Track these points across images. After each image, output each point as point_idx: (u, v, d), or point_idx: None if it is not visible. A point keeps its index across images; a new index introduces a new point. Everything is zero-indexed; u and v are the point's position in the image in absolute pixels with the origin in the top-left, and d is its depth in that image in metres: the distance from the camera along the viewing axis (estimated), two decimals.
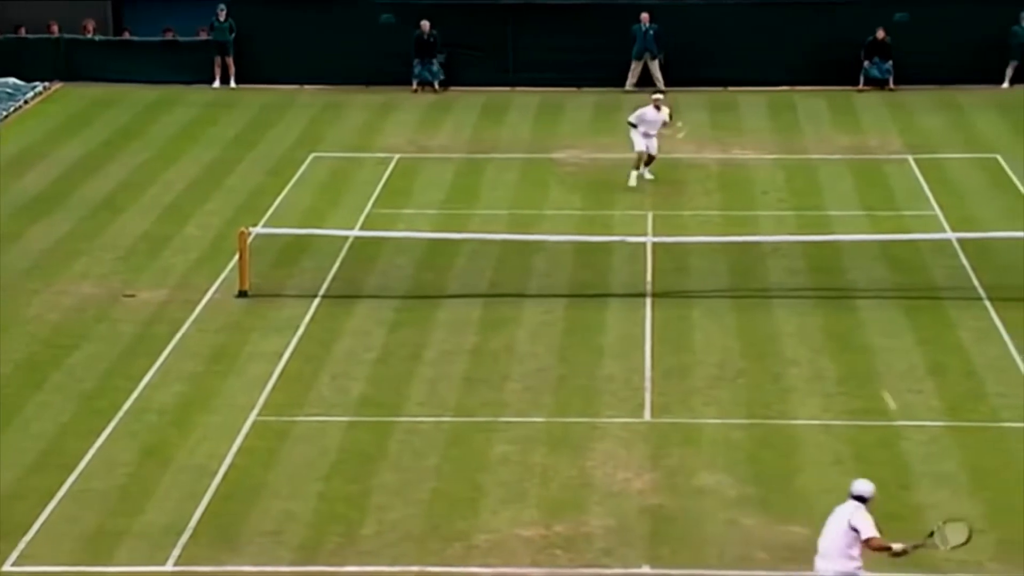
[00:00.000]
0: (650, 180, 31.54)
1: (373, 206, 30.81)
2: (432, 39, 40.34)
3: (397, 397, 21.90)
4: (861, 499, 16.06)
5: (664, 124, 31.60)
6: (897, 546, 15.82)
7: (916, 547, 15.92)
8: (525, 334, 24.11)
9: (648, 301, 25.35)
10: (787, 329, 24.12)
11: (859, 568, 15.85)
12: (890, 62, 39.86)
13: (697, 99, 39.14)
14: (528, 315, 24.85)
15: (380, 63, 40.60)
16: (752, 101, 38.96)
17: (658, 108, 31.45)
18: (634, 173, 31.45)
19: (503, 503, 18.80)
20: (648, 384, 22.21)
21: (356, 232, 28.52)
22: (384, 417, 21.29)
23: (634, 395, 21.84)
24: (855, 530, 15.77)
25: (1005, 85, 39.97)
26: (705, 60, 40.25)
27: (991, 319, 24.39)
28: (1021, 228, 27.99)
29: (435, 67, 40.47)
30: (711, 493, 19.01)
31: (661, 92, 32.52)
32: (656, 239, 27.69)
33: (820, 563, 15.95)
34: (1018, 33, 39.83)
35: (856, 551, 15.78)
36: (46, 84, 40.53)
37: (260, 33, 41.03)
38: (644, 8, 40.26)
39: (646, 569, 17.42)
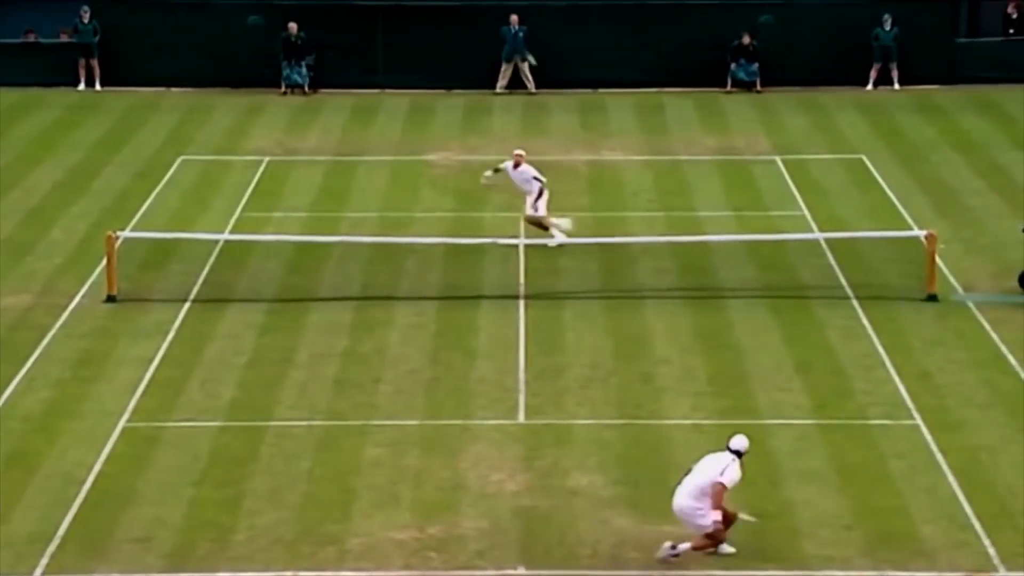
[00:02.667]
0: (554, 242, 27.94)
1: (243, 209, 30.59)
2: (300, 41, 40.14)
3: (268, 401, 21.75)
4: (739, 454, 17.46)
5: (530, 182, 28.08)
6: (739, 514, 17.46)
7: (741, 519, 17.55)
8: (397, 337, 24.05)
9: (520, 303, 25.40)
10: (657, 329, 24.28)
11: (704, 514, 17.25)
12: (756, 64, 40.29)
13: (566, 101, 39.31)
14: (400, 318, 24.80)
15: (248, 65, 40.32)
16: (621, 103, 39.19)
17: (517, 165, 28.32)
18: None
19: (376, 506, 18.74)
20: (521, 385, 22.24)
21: (226, 236, 28.29)
22: (255, 421, 21.13)
23: (507, 396, 21.86)
24: (721, 483, 17.15)
25: (869, 87, 40.56)
26: (574, 62, 40.43)
27: (858, 317, 24.72)
28: (886, 228, 28.42)
29: (303, 69, 40.28)
30: (584, 494, 19.07)
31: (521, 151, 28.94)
32: (528, 241, 27.73)
33: (682, 499, 17.34)
34: (881, 36, 40.44)
35: (707, 499, 17.23)
36: None
37: (125, 34, 40.57)
38: (513, 10, 40.36)
39: (520, 570, 17.44)
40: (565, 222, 28.03)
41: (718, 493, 17.23)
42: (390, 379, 22.48)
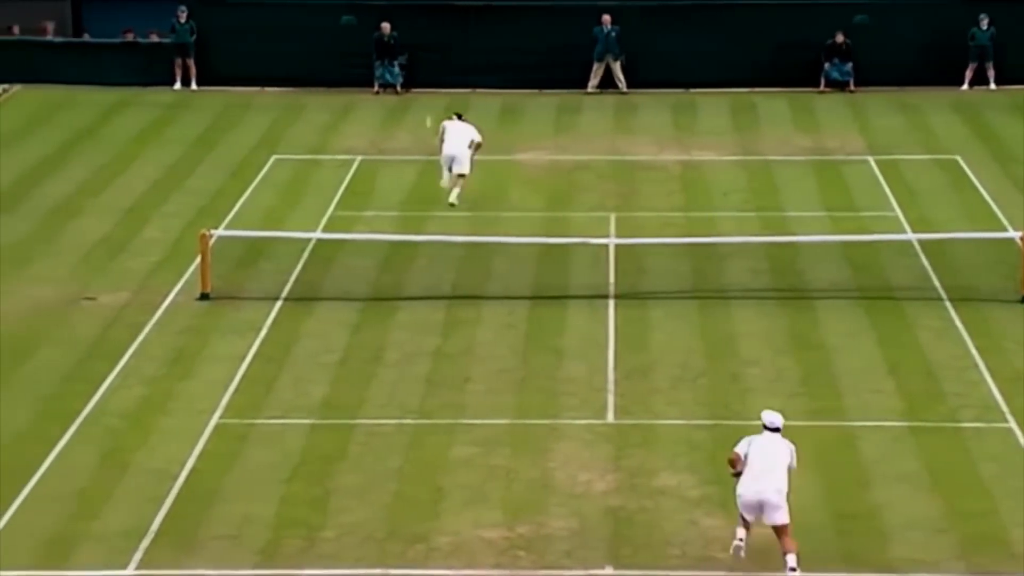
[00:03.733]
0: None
1: (334, 208, 30.77)
2: (392, 41, 40.32)
3: (358, 399, 21.88)
4: (778, 430, 17.55)
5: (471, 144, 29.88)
6: None
7: None
8: (486, 336, 24.11)
9: (610, 302, 25.38)
10: (747, 329, 24.18)
11: None
12: (850, 64, 40.01)
13: (658, 100, 39.23)
14: (489, 317, 24.85)
15: (341, 64, 40.55)
16: (712, 103, 39.05)
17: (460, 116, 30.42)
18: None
19: (465, 505, 18.80)
20: (610, 385, 22.24)
21: (317, 234, 28.47)
22: (345, 419, 21.26)
23: (596, 396, 21.86)
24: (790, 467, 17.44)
25: (964, 87, 40.16)
26: (666, 62, 40.33)
27: (950, 319, 24.51)
28: (980, 229, 28.15)
29: (396, 69, 40.46)
30: (672, 494, 19.04)
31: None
32: (618, 240, 27.73)
33: (771, 492, 17.08)
34: (977, 35, 40.03)
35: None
36: (5, 86, 40.33)
37: (221, 34, 40.93)
38: (606, 10, 40.33)
39: (608, 570, 17.44)
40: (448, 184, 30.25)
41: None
42: (479, 378, 22.54)
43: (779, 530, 17.19)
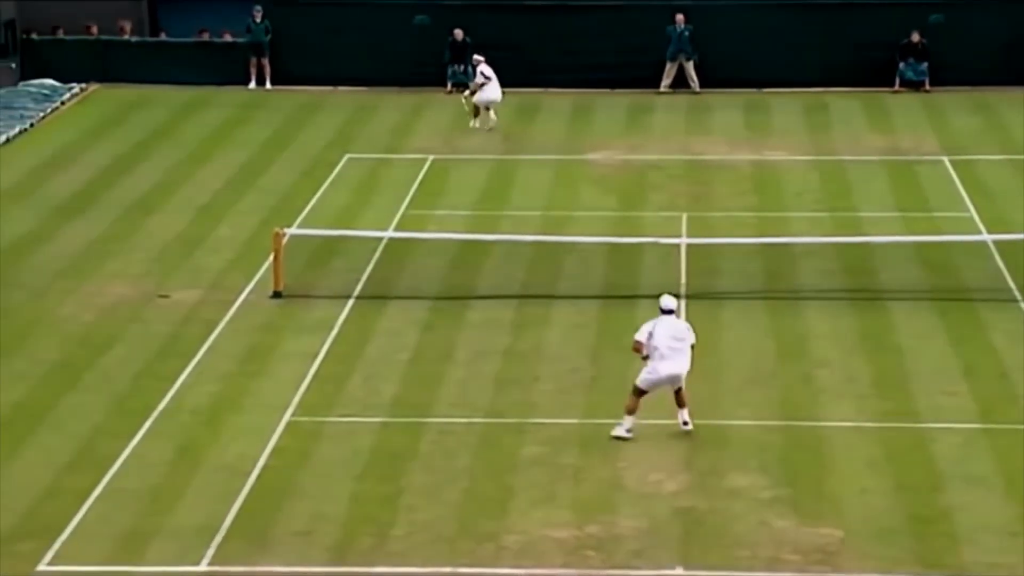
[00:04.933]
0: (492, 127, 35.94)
1: (406, 207, 30.87)
2: (466, 44, 40.41)
3: (429, 398, 21.95)
4: (673, 312, 20.46)
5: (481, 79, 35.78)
6: None
7: None
8: (556, 335, 24.12)
9: (682, 303, 25.30)
10: (819, 330, 24.07)
11: None
12: (925, 63, 39.74)
13: (731, 100, 39.10)
14: (559, 316, 24.87)
15: (414, 64, 40.67)
16: (785, 102, 38.89)
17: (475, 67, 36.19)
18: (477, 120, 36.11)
19: (534, 504, 18.82)
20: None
21: (389, 233, 28.58)
22: (416, 418, 21.33)
23: (666, 396, 21.79)
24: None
25: None
26: (739, 61, 40.20)
27: None
28: None
29: (469, 69, 40.51)
30: (743, 495, 19.00)
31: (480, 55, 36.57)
32: (689, 240, 27.67)
33: (681, 362, 20.13)
34: None
35: None
36: (83, 85, 40.73)
37: (294, 34, 41.15)
38: (679, 9, 40.24)
39: (679, 571, 17.42)
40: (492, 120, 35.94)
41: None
42: (549, 377, 22.56)
43: (678, 392, 20.29)
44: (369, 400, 21.91)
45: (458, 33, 40.36)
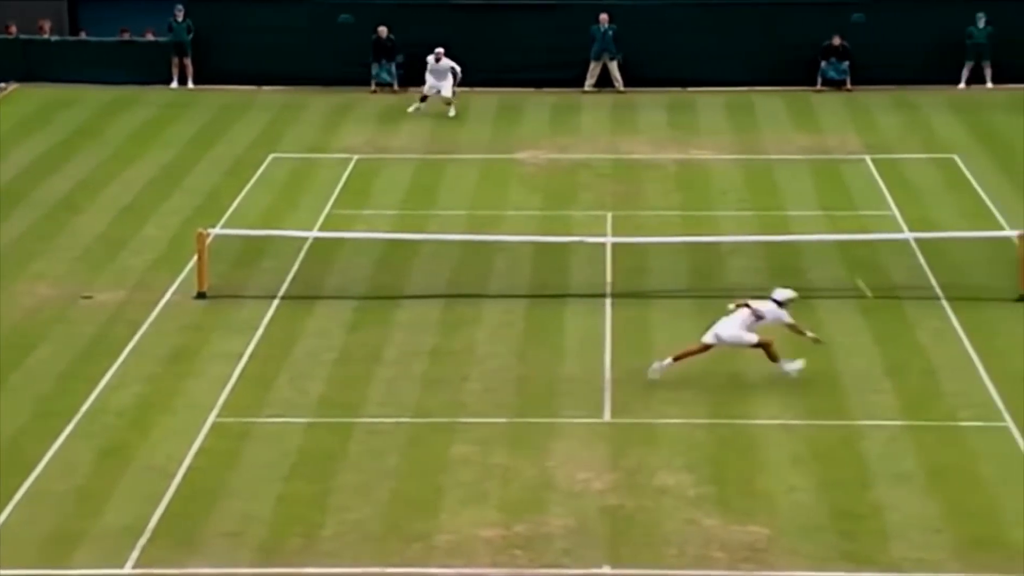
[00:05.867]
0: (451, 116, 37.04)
1: (332, 207, 30.77)
2: (390, 42, 40.31)
3: (357, 398, 21.87)
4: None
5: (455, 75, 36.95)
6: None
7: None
8: (485, 334, 24.11)
9: (608, 301, 25.38)
10: None
11: None
12: (847, 63, 40.03)
13: (656, 99, 39.23)
14: (488, 315, 24.85)
15: (338, 63, 40.54)
16: (710, 101, 39.06)
17: (438, 59, 37.25)
18: (416, 105, 37.50)
19: (463, 503, 18.79)
20: (608, 384, 22.23)
21: (315, 233, 28.47)
22: (344, 418, 21.25)
23: (594, 395, 21.86)
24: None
25: (961, 86, 40.18)
26: (663, 60, 40.33)
27: (948, 319, 24.51)
28: (978, 228, 28.15)
29: (393, 68, 40.46)
30: (671, 493, 19.04)
31: (441, 47, 37.54)
32: (615, 239, 27.73)
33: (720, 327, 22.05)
34: (974, 34, 40.05)
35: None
36: (2, 85, 40.32)
37: (218, 33, 40.91)
38: (603, 8, 40.32)
39: (606, 569, 17.44)
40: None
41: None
42: (478, 377, 22.54)
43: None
44: (296, 400, 21.80)
45: (382, 31, 40.26)
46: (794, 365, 22.09)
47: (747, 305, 21.91)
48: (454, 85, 37.14)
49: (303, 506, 18.77)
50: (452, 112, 37.16)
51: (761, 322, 21.94)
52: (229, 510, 18.65)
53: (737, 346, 22.02)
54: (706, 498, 18.86)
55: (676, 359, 22.01)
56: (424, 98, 37.41)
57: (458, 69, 37.11)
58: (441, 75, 37.21)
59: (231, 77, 40.69)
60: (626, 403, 21.60)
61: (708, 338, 22.00)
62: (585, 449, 20.23)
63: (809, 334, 22.22)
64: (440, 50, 37.37)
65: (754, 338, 21.88)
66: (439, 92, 37.27)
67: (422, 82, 40.07)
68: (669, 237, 27.92)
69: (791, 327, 22.13)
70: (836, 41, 39.82)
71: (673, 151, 34.61)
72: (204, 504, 18.80)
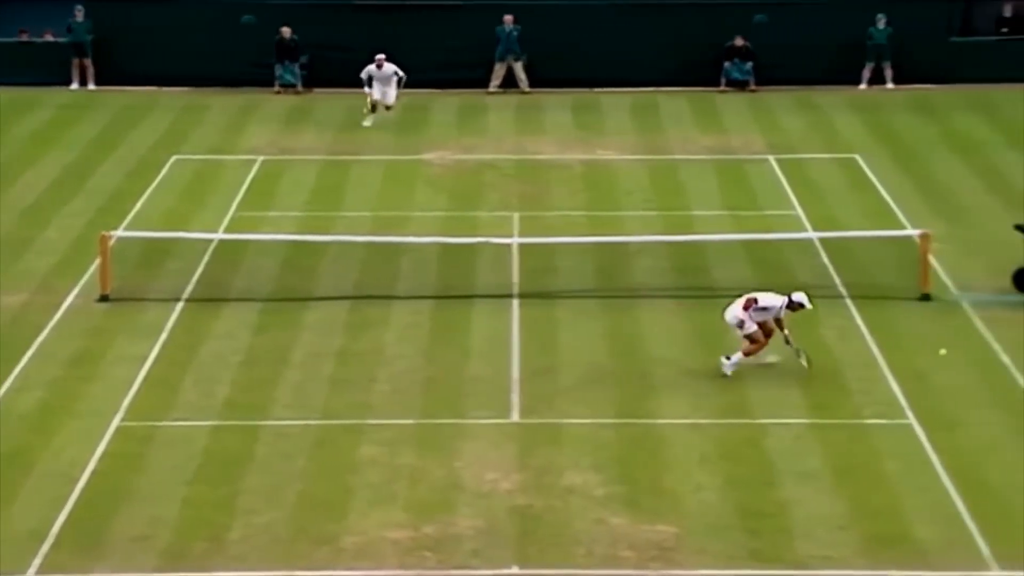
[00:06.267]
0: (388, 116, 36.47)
1: (237, 208, 30.58)
2: (293, 43, 40.13)
3: (263, 400, 21.74)
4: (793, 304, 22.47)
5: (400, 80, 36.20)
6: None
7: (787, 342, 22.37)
8: (392, 336, 24.04)
9: (515, 302, 25.40)
10: (654, 328, 24.27)
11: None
12: (750, 63, 40.31)
13: (561, 100, 39.31)
14: (395, 316, 24.80)
15: (241, 64, 40.30)
16: (615, 102, 39.19)
17: (380, 66, 36.27)
18: (371, 116, 36.39)
19: (371, 505, 18.73)
20: (515, 384, 22.24)
21: (220, 235, 28.29)
22: (250, 420, 21.12)
23: (502, 395, 21.86)
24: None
25: (863, 86, 40.57)
26: (568, 61, 40.42)
27: (852, 317, 24.72)
28: (881, 227, 28.43)
29: (296, 69, 40.28)
30: (579, 492, 19.07)
31: (382, 53, 36.71)
32: (522, 240, 27.76)
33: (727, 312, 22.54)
34: (874, 35, 40.45)
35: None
36: None
37: (119, 34, 40.54)
38: (508, 9, 40.35)
39: (515, 569, 17.44)
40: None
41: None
42: (385, 378, 22.48)
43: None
44: (202, 403, 21.64)
45: (285, 31, 40.07)
46: (770, 357, 22.49)
47: (755, 300, 22.18)
48: (398, 89, 36.40)
49: (209, 509, 18.62)
50: (369, 122, 36.25)
51: (765, 314, 22.19)
52: (134, 514, 18.47)
53: (733, 327, 22.30)
54: (614, 497, 18.91)
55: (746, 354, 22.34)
56: (374, 107, 36.40)
57: (401, 74, 36.26)
58: (386, 81, 36.27)
59: (133, 78, 40.34)
60: (533, 403, 21.61)
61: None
62: (493, 449, 20.22)
63: (794, 345, 22.40)
64: (381, 56, 36.38)
65: (753, 327, 22.12)
66: (384, 98, 36.48)
67: (326, 82, 40.05)
68: (575, 237, 27.98)
69: (781, 328, 22.31)
70: (739, 42, 40.10)
71: (578, 151, 34.69)
72: (109, 509, 18.61)
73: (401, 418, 21.18)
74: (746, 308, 22.22)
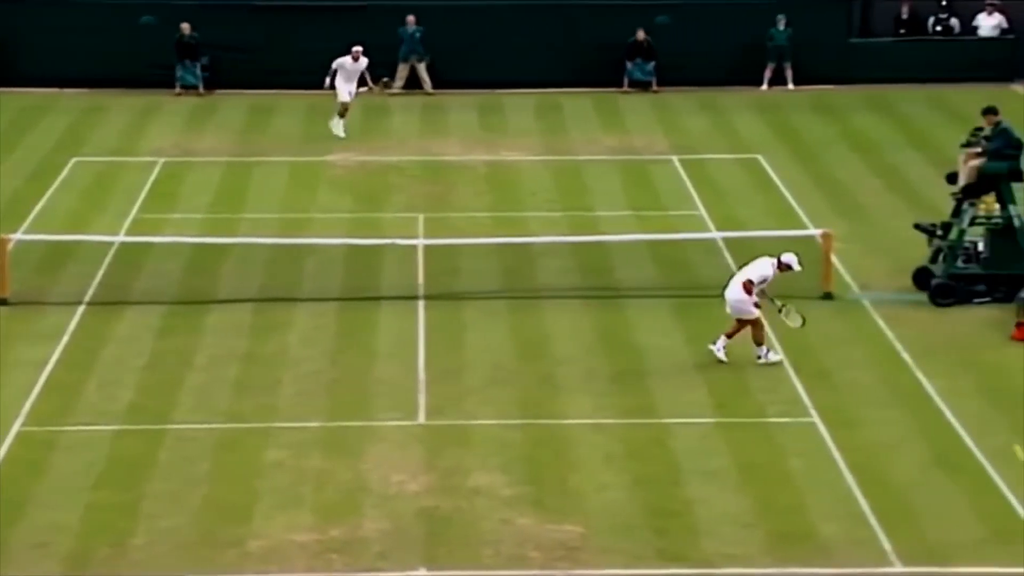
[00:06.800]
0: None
1: (139, 211, 30.33)
2: (193, 41, 39.83)
3: (167, 404, 21.56)
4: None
5: (363, 77, 34.95)
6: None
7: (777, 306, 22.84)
8: (297, 338, 23.93)
9: (420, 303, 25.36)
10: (559, 329, 24.31)
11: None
12: (652, 64, 40.49)
13: (464, 101, 39.30)
14: (300, 319, 24.68)
15: (142, 66, 39.97)
16: (519, 103, 39.23)
17: (356, 59, 34.85)
18: (341, 122, 34.96)
19: (277, 508, 18.63)
20: (422, 386, 22.20)
21: (121, 237, 28.04)
22: (154, 425, 20.94)
23: (408, 397, 21.82)
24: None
25: (764, 87, 40.88)
26: (472, 62, 40.42)
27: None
28: (783, 227, 28.62)
29: (197, 70, 40.00)
30: (486, 493, 19.07)
31: (359, 45, 35.39)
32: (427, 241, 27.73)
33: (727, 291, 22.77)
34: (775, 36, 40.77)
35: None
36: None
37: (17, 35, 40.07)
38: (410, 10, 40.29)
39: (422, 571, 17.41)
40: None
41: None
42: (291, 381, 22.36)
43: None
44: (105, 408, 21.43)
45: (185, 27, 39.74)
46: (775, 356, 22.66)
47: (751, 281, 22.41)
48: (359, 87, 35.04)
49: (112, 514, 18.45)
50: (341, 131, 34.87)
51: (763, 285, 22.49)
52: (36, 520, 18.26)
53: (737, 313, 22.54)
54: (521, 498, 18.92)
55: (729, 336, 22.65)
56: (345, 109, 34.90)
57: (366, 74, 35.16)
58: (352, 77, 34.78)
59: (31, 79, 39.88)
60: (440, 405, 21.59)
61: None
62: (400, 451, 20.18)
63: (778, 303, 22.90)
64: (358, 49, 34.91)
65: (755, 312, 22.40)
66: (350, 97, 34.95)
67: (228, 84, 39.74)
68: (480, 238, 27.99)
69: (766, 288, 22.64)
70: (640, 35, 40.17)
71: (483, 152, 34.70)
72: (9, 515, 18.37)
73: (307, 421, 21.09)
74: (748, 292, 22.36)
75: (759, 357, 22.66)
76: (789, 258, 22.68)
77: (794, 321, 23.07)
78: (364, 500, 18.87)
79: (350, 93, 34.87)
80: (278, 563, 17.43)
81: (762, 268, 22.67)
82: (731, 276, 23.15)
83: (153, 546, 17.75)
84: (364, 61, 34.85)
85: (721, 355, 22.64)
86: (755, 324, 22.57)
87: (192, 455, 20.01)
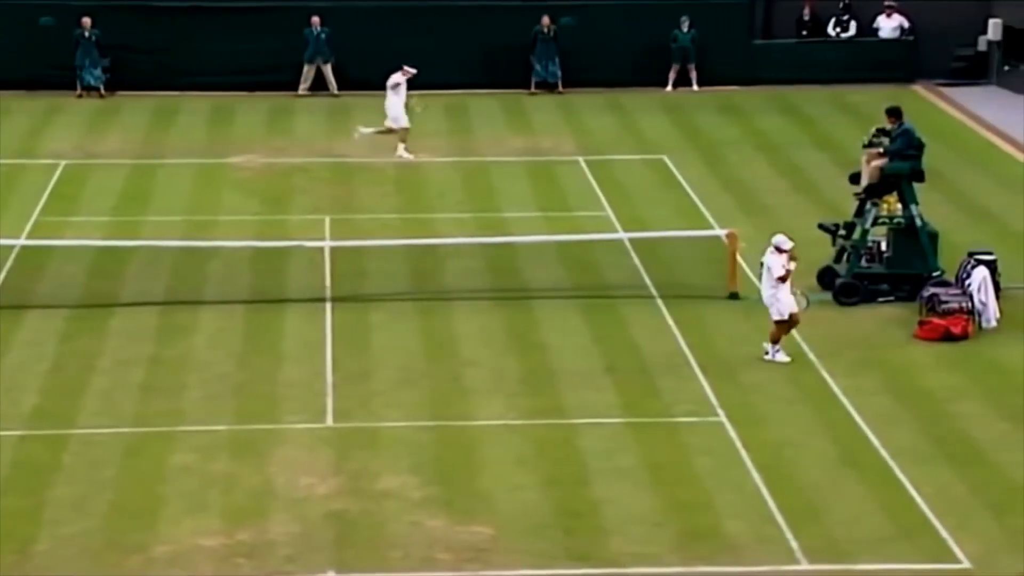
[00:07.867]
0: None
1: (40, 213, 29.99)
2: (94, 37, 39.41)
3: (71, 408, 21.34)
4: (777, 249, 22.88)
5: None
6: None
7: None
8: (203, 341, 23.76)
9: (328, 305, 25.26)
10: (467, 330, 24.30)
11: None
12: (557, 59, 40.53)
13: (370, 103, 39.11)
14: (206, 322, 24.50)
15: (42, 67, 39.52)
16: (426, 103, 39.10)
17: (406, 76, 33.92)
18: (402, 146, 33.87)
19: (184, 513, 18.48)
20: (329, 388, 22.12)
21: (23, 241, 27.72)
22: (58, 429, 20.72)
23: (316, 400, 21.72)
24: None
25: (669, 88, 41.06)
26: (377, 64, 40.26)
27: (663, 316, 24.99)
28: (689, 227, 28.78)
29: (98, 71, 39.60)
30: (395, 496, 19.02)
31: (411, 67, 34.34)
32: (334, 243, 27.62)
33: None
34: (678, 37, 40.96)
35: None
36: None
37: None
38: (315, 11, 40.13)
39: (330, 574, 17.34)
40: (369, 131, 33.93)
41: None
42: (197, 384, 22.20)
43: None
44: (7, 412, 21.17)
45: (86, 22, 39.28)
46: (783, 357, 22.95)
47: (779, 278, 22.70)
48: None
49: (15, 521, 18.23)
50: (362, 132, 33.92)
51: (785, 271, 22.77)
52: None
53: (773, 314, 22.95)
54: (430, 500, 18.89)
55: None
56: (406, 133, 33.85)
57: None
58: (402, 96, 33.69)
59: None
60: (348, 407, 21.51)
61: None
62: (308, 454, 20.08)
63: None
64: (413, 70, 34.03)
65: (785, 312, 22.81)
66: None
67: (131, 85, 39.34)
68: (387, 240, 27.92)
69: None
70: (545, 21, 40.11)
71: (390, 154, 34.58)
72: None
73: (214, 424, 20.94)
74: (783, 280, 22.72)
75: (766, 353, 22.99)
76: (778, 240, 23.02)
77: (799, 303, 23.24)
78: (272, 503, 18.77)
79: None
80: (185, 568, 17.30)
81: (771, 263, 23.01)
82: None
83: (57, 552, 17.56)
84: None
85: (781, 357, 22.99)
86: (779, 323, 22.94)
87: (97, 460, 19.82)
